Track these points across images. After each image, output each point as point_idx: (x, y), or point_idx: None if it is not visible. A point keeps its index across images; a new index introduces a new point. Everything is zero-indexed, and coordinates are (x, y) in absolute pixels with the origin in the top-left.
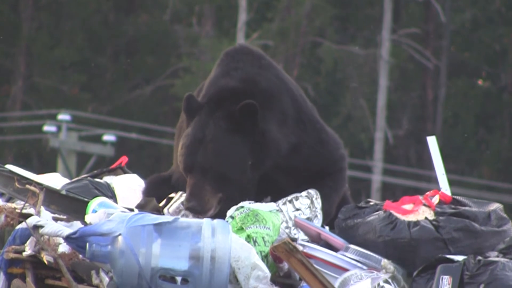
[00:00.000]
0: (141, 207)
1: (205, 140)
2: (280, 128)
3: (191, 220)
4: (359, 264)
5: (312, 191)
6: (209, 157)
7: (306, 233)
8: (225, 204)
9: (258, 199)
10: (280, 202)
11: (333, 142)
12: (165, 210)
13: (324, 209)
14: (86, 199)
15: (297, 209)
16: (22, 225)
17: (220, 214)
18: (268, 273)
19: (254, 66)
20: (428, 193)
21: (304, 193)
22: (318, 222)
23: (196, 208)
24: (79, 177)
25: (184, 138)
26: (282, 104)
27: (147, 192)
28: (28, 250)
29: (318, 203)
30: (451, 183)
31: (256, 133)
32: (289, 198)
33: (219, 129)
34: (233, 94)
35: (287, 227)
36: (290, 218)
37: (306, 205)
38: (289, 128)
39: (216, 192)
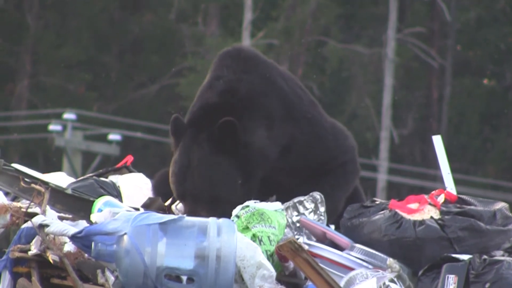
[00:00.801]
0: (146, 206)
1: (191, 165)
2: (268, 133)
3: (196, 219)
4: (364, 263)
5: (317, 195)
6: (197, 184)
7: (311, 232)
8: None
9: (263, 199)
10: (283, 206)
11: (332, 137)
12: (173, 207)
13: (327, 207)
14: (91, 198)
15: (301, 214)
16: (28, 224)
17: (225, 215)
18: (273, 272)
19: (237, 71)
20: (433, 192)
21: (308, 197)
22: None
23: None
24: (85, 176)
25: (173, 165)
26: (266, 107)
27: (156, 187)
28: (33, 249)
29: (322, 206)
30: (456, 182)
31: (240, 148)
32: (291, 203)
33: (203, 153)
34: (213, 111)
35: (289, 233)
36: (293, 223)
37: (310, 209)
38: (278, 130)
39: (211, 215)
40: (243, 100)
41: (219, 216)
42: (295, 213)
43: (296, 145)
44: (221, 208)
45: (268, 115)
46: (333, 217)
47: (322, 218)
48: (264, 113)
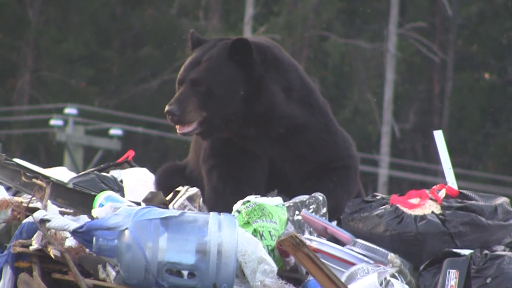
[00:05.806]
0: (148, 201)
1: (202, 60)
2: (285, 94)
3: (198, 214)
4: (365, 258)
5: (319, 196)
6: (201, 72)
7: (312, 227)
8: (206, 128)
9: (265, 192)
10: (285, 204)
11: (341, 137)
12: (170, 206)
13: (329, 205)
14: (93, 193)
15: None
16: (29, 219)
17: (226, 209)
18: (274, 267)
19: (269, 41)
20: (434, 187)
21: (310, 198)
22: None
23: (175, 112)
24: (86, 171)
25: (187, 60)
26: (290, 74)
27: (159, 180)
28: (35, 244)
29: (324, 207)
30: (457, 177)
31: (252, 72)
32: (293, 203)
33: (218, 52)
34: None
35: (290, 227)
36: (293, 222)
37: (312, 210)
38: (294, 103)
39: (201, 108)
40: (270, 56)
41: (207, 113)
42: (297, 212)
43: (309, 130)
44: (212, 106)
45: (288, 84)
46: (335, 215)
47: (324, 219)
48: (286, 77)
